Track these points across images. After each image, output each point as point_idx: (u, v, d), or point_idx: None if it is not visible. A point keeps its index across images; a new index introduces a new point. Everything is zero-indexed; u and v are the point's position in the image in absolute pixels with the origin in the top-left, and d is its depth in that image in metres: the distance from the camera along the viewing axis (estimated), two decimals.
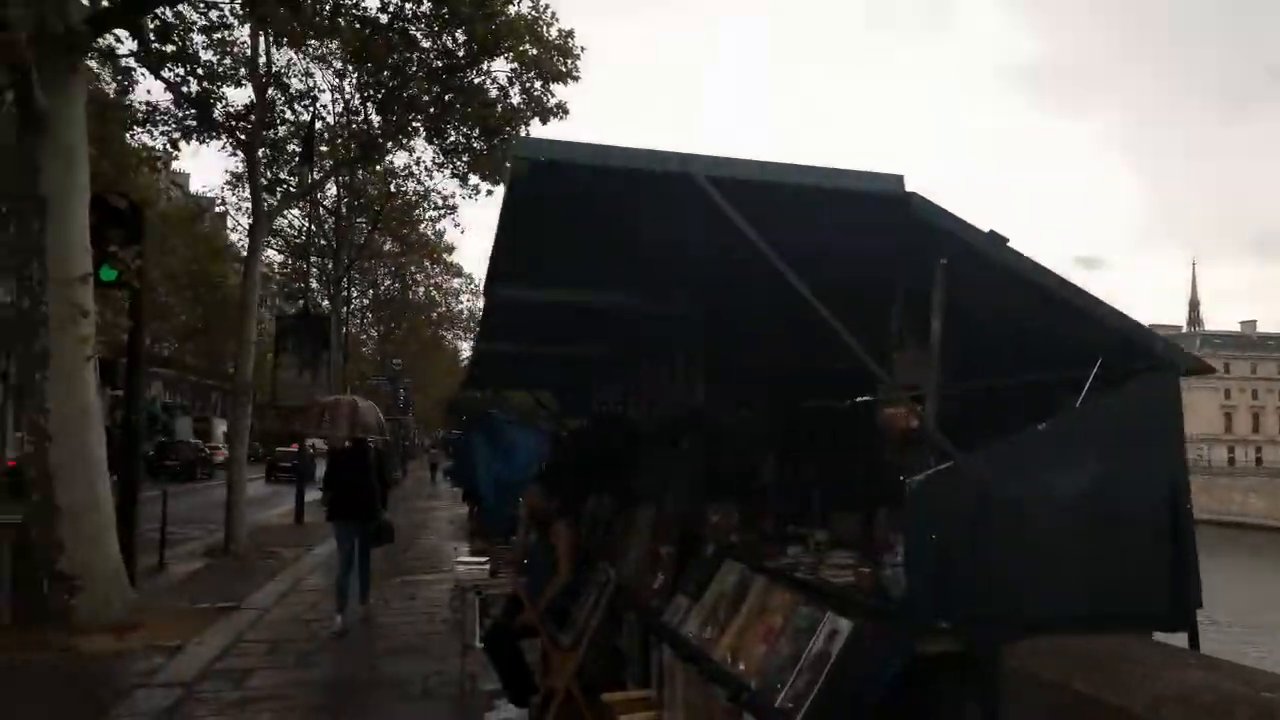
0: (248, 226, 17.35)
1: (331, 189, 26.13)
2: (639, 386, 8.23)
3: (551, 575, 5.87)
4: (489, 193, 18.56)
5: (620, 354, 7.75)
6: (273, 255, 28.10)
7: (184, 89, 13.99)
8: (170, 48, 12.87)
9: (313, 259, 27.52)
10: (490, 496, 15.04)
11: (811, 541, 4.04)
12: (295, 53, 17.14)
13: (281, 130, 17.46)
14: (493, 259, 4.18)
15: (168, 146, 15.25)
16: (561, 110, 15.16)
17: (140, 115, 14.77)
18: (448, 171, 18.48)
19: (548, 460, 11.07)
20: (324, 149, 19.04)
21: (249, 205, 16.27)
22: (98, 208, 8.68)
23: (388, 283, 39.68)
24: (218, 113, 14.95)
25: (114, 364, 10.17)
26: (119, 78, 14.08)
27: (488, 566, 9.77)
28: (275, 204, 17.09)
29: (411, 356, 44.76)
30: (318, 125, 17.54)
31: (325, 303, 27.02)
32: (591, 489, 7.43)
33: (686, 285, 5.18)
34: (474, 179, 17.94)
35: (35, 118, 7.83)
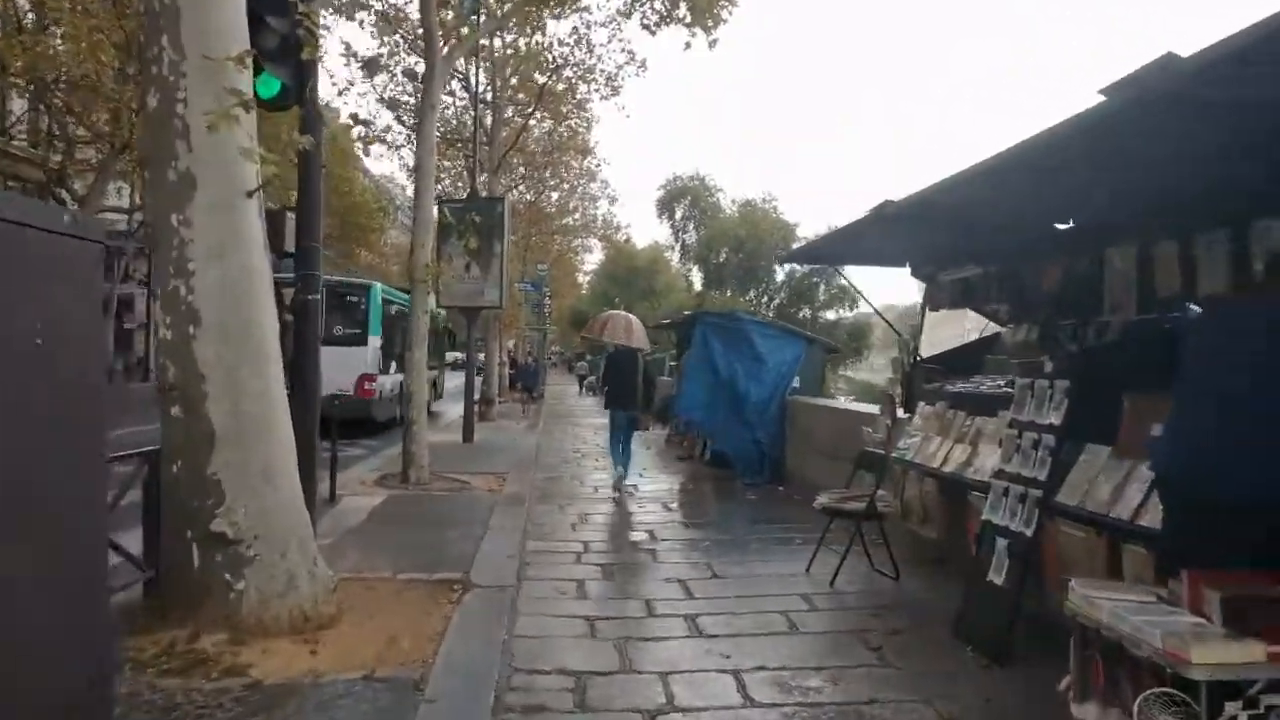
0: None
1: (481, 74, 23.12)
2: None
3: None
4: (687, 45, 14.82)
5: None
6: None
7: None
8: None
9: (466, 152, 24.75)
10: (700, 413, 11.90)
11: None
12: None
13: None
14: None
15: None
16: None
17: None
18: (636, 19, 14.76)
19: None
20: None
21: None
22: None
23: (520, 188, 36.80)
24: None
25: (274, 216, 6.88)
26: None
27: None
28: (454, 44, 13.81)
29: (550, 263, 42.04)
30: None
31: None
32: None
33: None
34: (670, 28, 14.20)
35: None
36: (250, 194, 5.01)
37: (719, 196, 41.08)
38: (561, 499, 10.29)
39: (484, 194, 22.42)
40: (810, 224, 39.13)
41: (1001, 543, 4.77)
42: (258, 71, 5.78)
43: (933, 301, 7.02)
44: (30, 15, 25.57)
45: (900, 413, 6.85)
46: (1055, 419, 4.63)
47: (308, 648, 4.64)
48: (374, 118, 22.32)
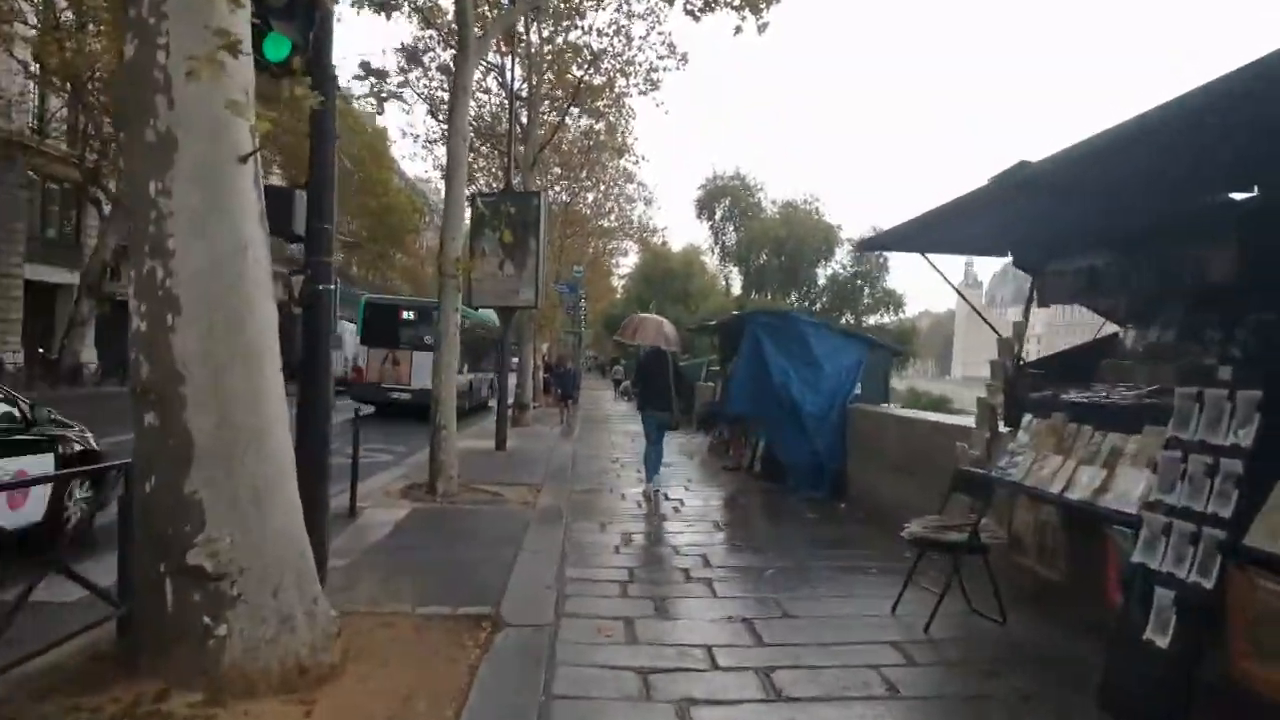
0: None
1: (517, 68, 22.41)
2: None
3: None
4: (737, 29, 13.86)
5: None
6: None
7: None
8: None
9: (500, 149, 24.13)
10: (748, 407, 11.04)
11: None
12: None
13: None
14: None
15: None
16: None
17: None
18: (680, 4, 13.81)
19: None
20: None
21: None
22: None
23: (555, 189, 36.05)
24: None
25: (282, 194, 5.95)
26: None
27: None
28: (487, 28, 13.02)
29: (585, 265, 41.25)
30: None
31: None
32: None
33: None
34: (717, 12, 13.25)
35: None
36: (243, 159, 4.17)
37: (759, 196, 40.14)
38: (601, 515, 9.40)
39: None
40: (854, 227, 37.90)
41: (1164, 594, 3.78)
42: (265, 32, 4.99)
43: (1046, 295, 6.01)
44: (68, 13, 25.31)
45: (1001, 426, 5.88)
46: (1240, 439, 3.64)
47: (301, 709, 3.78)
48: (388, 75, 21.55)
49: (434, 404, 10.62)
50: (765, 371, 10.68)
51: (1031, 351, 6.57)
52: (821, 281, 38.04)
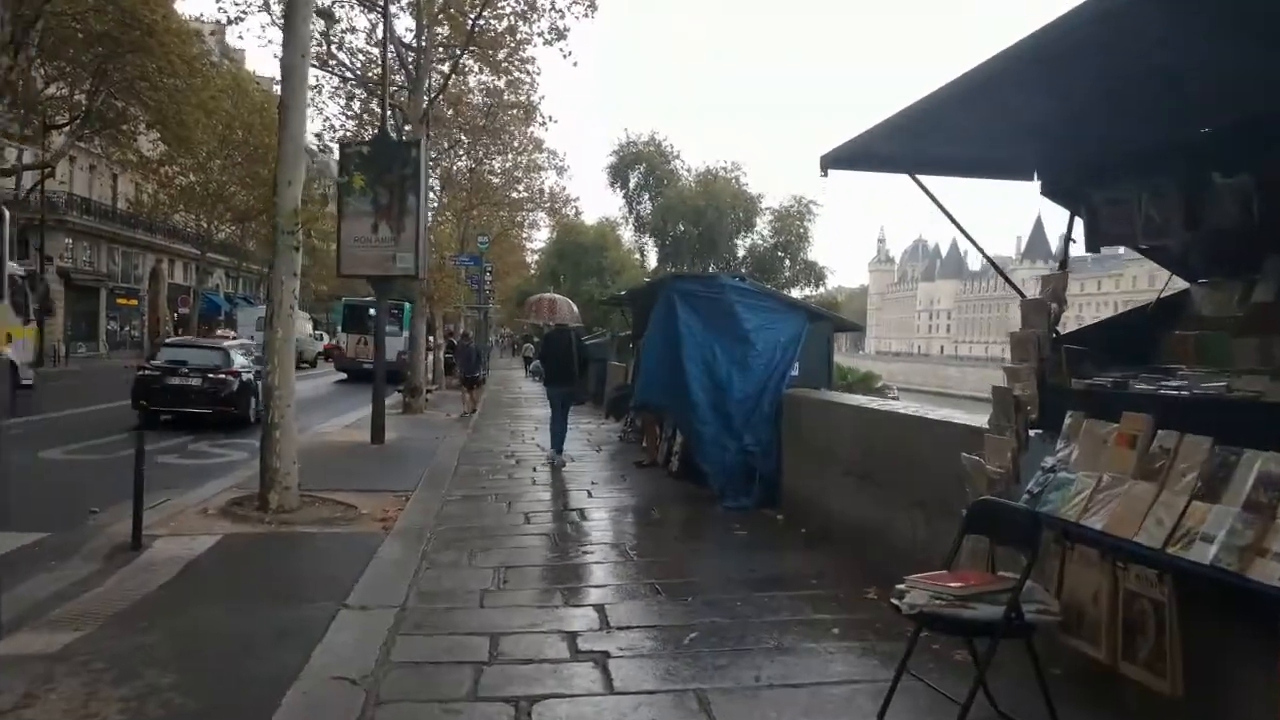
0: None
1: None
2: None
3: None
4: None
5: None
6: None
7: None
8: None
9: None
10: (661, 396, 9.21)
11: None
12: None
13: None
14: None
15: None
16: None
17: None
18: None
19: None
20: None
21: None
22: None
23: (458, 154, 33.31)
24: None
25: None
26: None
27: None
28: None
29: (493, 238, 38.62)
30: None
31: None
32: None
33: None
34: None
35: None
36: None
37: (675, 164, 38.04)
38: (476, 539, 7.29)
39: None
40: (775, 197, 36.09)
41: None
42: None
43: (1096, 238, 4.10)
44: None
45: (1029, 433, 3.99)
46: None
47: None
48: None
49: (265, 395, 8.35)
50: (682, 351, 8.69)
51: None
52: (741, 253, 36.22)
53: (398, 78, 21.68)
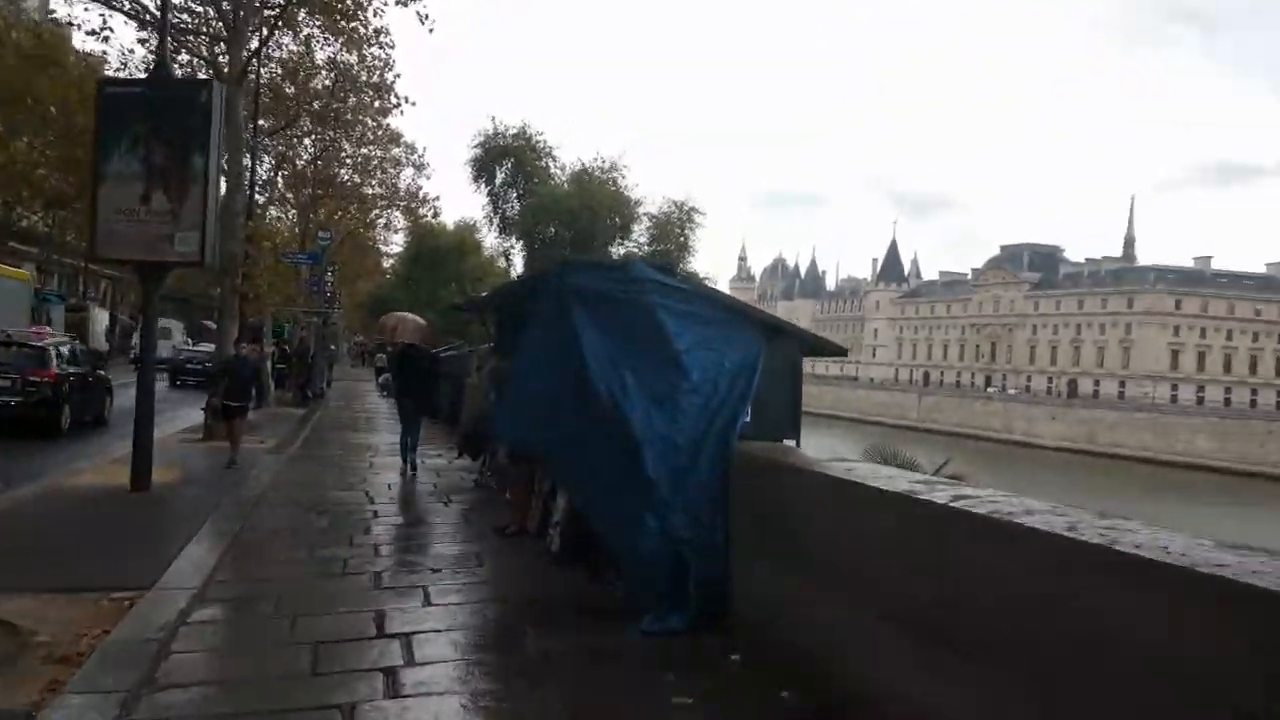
0: None
1: None
2: None
3: None
4: None
5: None
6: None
7: None
8: None
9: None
10: (537, 434, 6.33)
11: None
12: None
13: None
14: None
15: None
16: None
17: None
18: None
19: None
20: None
21: None
22: None
23: (308, 153, 29.13)
24: None
25: None
26: None
27: None
28: None
29: (343, 237, 34.30)
30: None
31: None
32: None
33: None
34: None
35: None
36: None
37: (548, 161, 34.73)
38: (218, 703, 3.99)
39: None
40: (654, 202, 33.33)
41: None
42: None
43: None
44: None
45: None
46: None
47: None
48: None
49: None
50: (576, 377, 5.68)
51: None
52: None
53: (212, 24, 17.82)
